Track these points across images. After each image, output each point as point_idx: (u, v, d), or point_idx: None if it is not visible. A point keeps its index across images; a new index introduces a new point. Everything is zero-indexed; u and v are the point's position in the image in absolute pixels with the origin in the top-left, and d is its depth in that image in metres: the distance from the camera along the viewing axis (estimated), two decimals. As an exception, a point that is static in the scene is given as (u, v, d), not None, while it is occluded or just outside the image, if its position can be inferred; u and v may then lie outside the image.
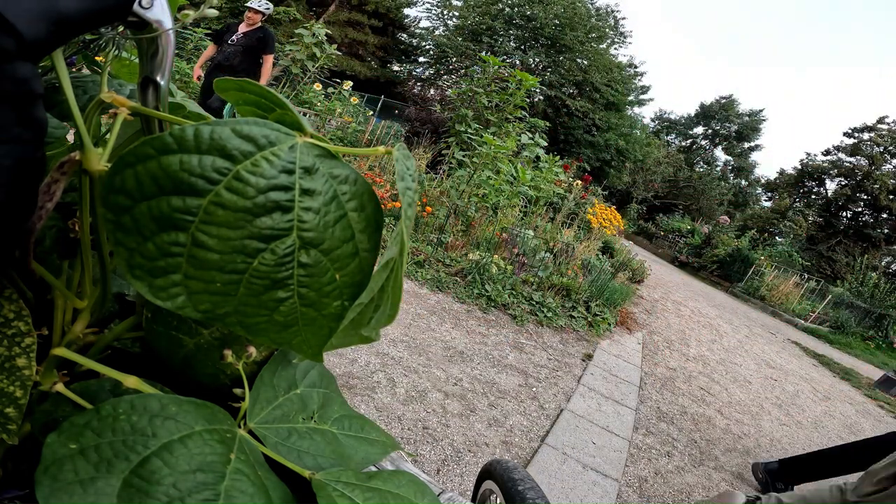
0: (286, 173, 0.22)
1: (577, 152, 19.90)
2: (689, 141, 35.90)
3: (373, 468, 0.47)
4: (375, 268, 0.27)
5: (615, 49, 22.32)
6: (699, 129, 35.56)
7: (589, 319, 4.16)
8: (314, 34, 6.51)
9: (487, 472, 1.10)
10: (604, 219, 7.81)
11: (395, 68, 23.01)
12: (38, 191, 0.25)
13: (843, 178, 25.16)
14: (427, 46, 21.65)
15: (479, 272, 3.94)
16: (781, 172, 29.43)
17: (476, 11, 19.84)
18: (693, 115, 35.71)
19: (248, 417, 0.31)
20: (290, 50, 6.53)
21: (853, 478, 1.92)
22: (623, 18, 22.28)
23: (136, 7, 0.26)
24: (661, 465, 2.42)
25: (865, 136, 24.73)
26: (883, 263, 22.35)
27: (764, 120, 33.36)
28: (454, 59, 19.85)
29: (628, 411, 2.85)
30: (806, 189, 27.16)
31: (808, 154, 31.57)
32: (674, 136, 36.70)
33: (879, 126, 24.33)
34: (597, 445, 2.34)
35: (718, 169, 34.47)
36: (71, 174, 0.26)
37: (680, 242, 15.65)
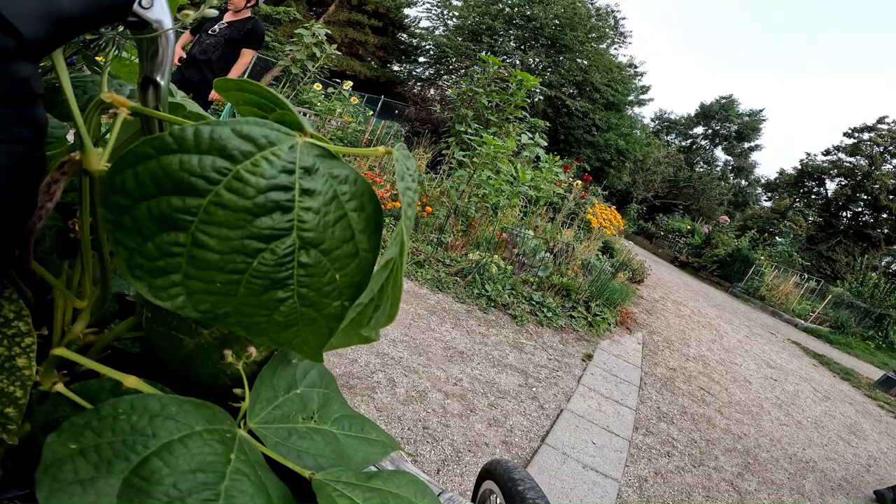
0: (286, 173, 0.22)
1: (577, 152, 19.90)
2: (689, 141, 35.90)
3: (373, 468, 0.47)
4: (375, 268, 0.27)
5: (615, 49, 22.32)
6: (699, 129, 35.57)
7: (589, 319, 4.16)
8: (314, 34, 6.51)
9: (487, 472, 1.10)
10: (604, 219, 7.82)
11: (395, 68, 23.00)
12: (38, 191, 0.25)
13: (843, 178, 25.16)
14: (427, 46, 21.64)
15: (479, 272, 3.94)
16: (781, 172, 29.43)
17: (476, 11, 19.84)
18: (693, 115, 35.73)
19: (248, 417, 0.31)
20: (290, 50, 6.52)
21: None
22: (623, 18, 22.28)
23: (136, 7, 0.26)
24: (661, 465, 2.42)
25: (865, 136, 24.73)
26: (883, 263, 22.37)
27: (764, 120, 33.38)
28: (454, 59, 19.85)
29: (628, 411, 2.85)
30: (806, 189, 27.16)
31: (808, 154, 31.58)
32: (674, 136, 36.71)
33: (879, 126, 24.33)
34: (597, 445, 2.34)
35: (718, 169, 34.49)
36: (71, 174, 0.26)
37: (680, 242, 15.66)
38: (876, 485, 3.13)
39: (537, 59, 19.92)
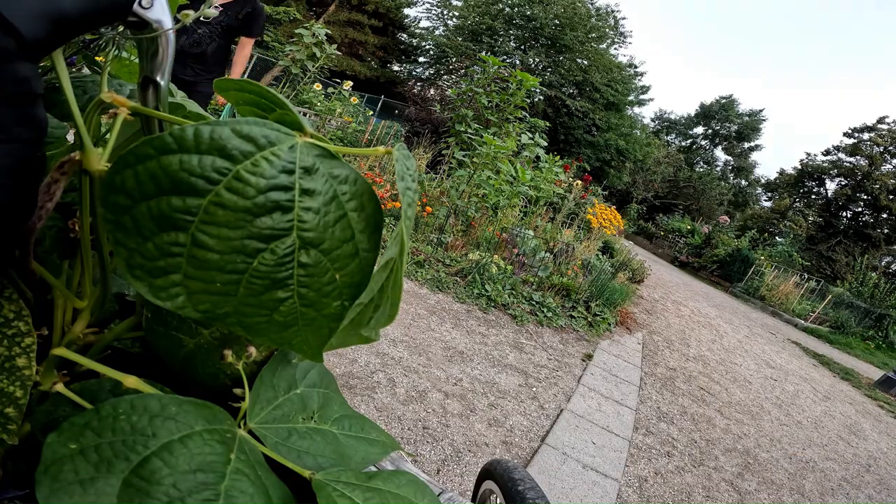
0: (286, 173, 0.22)
1: (577, 152, 19.90)
2: (689, 141, 35.91)
3: (373, 468, 0.47)
4: (375, 268, 0.27)
5: (615, 49, 22.32)
6: (699, 129, 35.58)
7: (589, 319, 4.16)
8: (314, 34, 6.50)
9: (487, 472, 1.10)
10: (604, 219, 7.82)
11: (395, 68, 23.01)
12: (38, 191, 0.25)
13: (843, 178, 25.16)
14: (427, 46, 21.64)
15: (479, 272, 3.94)
16: (781, 172, 29.43)
17: (476, 11, 19.84)
18: (693, 115, 35.73)
19: (248, 417, 0.31)
20: (290, 50, 6.51)
21: None
22: (623, 18, 22.28)
23: (136, 7, 0.26)
24: (661, 465, 2.42)
25: (865, 136, 24.73)
26: (883, 263, 22.37)
27: (764, 120, 33.39)
28: (454, 59, 19.85)
29: (628, 411, 2.85)
30: (806, 189, 27.16)
31: (808, 154, 31.59)
32: (674, 136, 36.71)
33: (879, 126, 24.33)
34: (597, 445, 2.34)
35: (718, 169, 34.50)
36: (71, 174, 0.26)
37: (680, 242, 15.66)
38: (876, 485, 3.13)
39: (537, 59, 19.92)
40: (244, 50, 3.27)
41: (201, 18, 2.99)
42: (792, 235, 19.60)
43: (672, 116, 36.81)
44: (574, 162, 11.92)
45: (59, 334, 0.31)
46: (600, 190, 11.02)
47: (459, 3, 20.86)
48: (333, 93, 8.54)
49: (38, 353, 0.28)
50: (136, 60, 0.33)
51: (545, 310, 3.89)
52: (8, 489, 0.29)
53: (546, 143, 6.49)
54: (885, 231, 23.11)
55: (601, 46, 20.79)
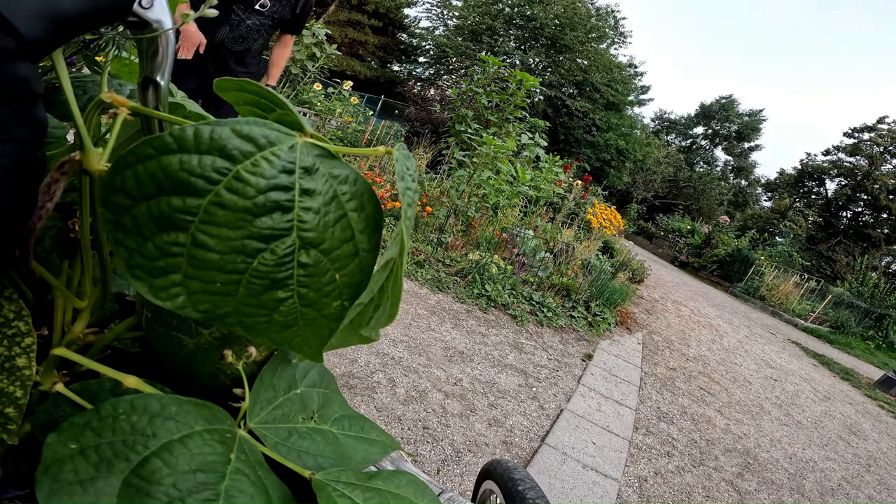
0: (286, 173, 0.22)
1: (577, 152, 19.90)
2: (689, 141, 35.90)
3: (373, 468, 0.47)
4: (375, 268, 0.27)
5: (615, 49, 22.32)
6: (699, 129, 35.57)
7: (589, 319, 4.16)
8: (314, 34, 6.50)
9: (487, 472, 1.10)
10: (604, 219, 7.82)
11: (395, 68, 23.01)
12: (38, 191, 0.25)
13: (843, 178, 25.16)
14: (427, 46, 21.64)
15: (479, 272, 3.94)
16: (781, 172, 29.43)
17: (476, 11, 19.84)
18: (693, 115, 35.72)
19: (248, 417, 0.31)
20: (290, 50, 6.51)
21: None
22: (623, 18, 22.28)
23: (136, 7, 0.26)
24: (661, 465, 2.42)
25: (865, 136, 24.72)
26: (883, 263, 22.37)
27: (764, 120, 33.38)
28: (454, 59, 19.85)
29: (628, 411, 2.85)
30: (806, 189, 27.16)
31: (808, 154, 31.58)
32: (674, 136, 36.70)
33: (879, 126, 24.33)
34: (597, 445, 2.34)
35: (718, 169, 34.50)
36: (71, 174, 0.26)
37: (680, 242, 15.65)
38: (876, 485, 3.13)
39: (537, 59, 19.92)
40: (286, 49, 2.75)
41: (255, 7, 2.39)
42: (792, 235, 19.60)
43: (672, 116, 36.81)
44: (574, 162, 11.92)
45: (59, 334, 0.31)
46: (600, 190, 11.02)
47: (459, 3, 20.86)
48: (333, 93, 8.54)
49: (38, 353, 0.28)
50: (136, 60, 0.33)
51: (545, 310, 3.89)
52: (8, 489, 0.29)
53: (546, 143, 6.49)
54: (885, 231, 23.10)
55: (601, 46, 20.79)
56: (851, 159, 25.01)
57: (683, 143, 35.87)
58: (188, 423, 0.25)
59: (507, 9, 19.55)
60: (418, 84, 21.89)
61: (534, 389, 2.66)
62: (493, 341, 3.09)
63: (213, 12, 0.33)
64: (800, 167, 27.44)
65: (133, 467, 0.22)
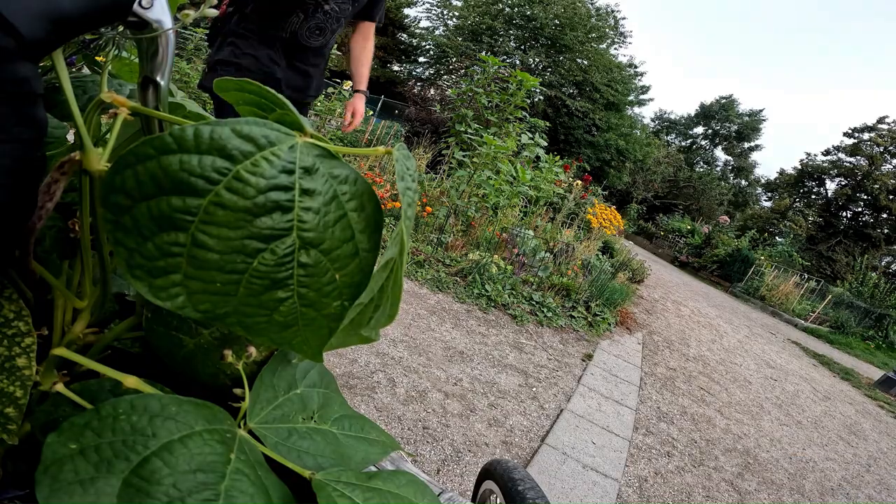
0: (286, 173, 0.22)
1: (577, 152, 19.90)
2: (689, 141, 35.91)
3: (373, 468, 0.47)
4: (375, 268, 0.27)
5: (615, 49, 22.34)
6: (699, 129, 35.58)
7: (589, 319, 4.16)
8: (314, 34, 6.47)
9: (487, 472, 1.10)
10: (604, 219, 7.81)
11: (395, 68, 23.02)
12: (38, 191, 0.25)
13: (843, 178, 25.17)
14: (427, 46, 21.65)
15: (479, 272, 3.94)
16: (781, 172, 29.44)
17: (476, 11, 19.85)
18: (693, 115, 35.73)
19: (248, 417, 0.31)
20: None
21: None
22: (623, 18, 22.30)
23: (136, 7, 0.26)
24: (661, 465, 2.42)
25: (865, 136, 24.73)
26: (883, 263, 22.38)
27: (764, 120, 33.39)
28: (454, 59, 19.85)
29: (628, 411, 2.85)
30: (806, 189, 27.17)
31: (808, 154, 31.56)
32: (674, 136, 36.71)
33: (879, 126, 24.33)
34: (597, 445, 2.34)
35: (718, 169, 34.51)
36: (71, 174, 0.26)
37: (680, 242, 15.65)
38: (876, 485, 3.13)
39: (537, 59, 19.92)
40: (369, 43, 2.21)
41: (333, 1, 1.79)
42: (792, 235, 19.60)
43: (672, 116, 36.82)
44: (574, 162, 11.92)
45: (59, 334, 0.31)
46: (600, 190, 11.02)
47: (459, 3, 20.86)
48: (333, 93, 8.53)
49: (38, 353, 0.28)
50: (136, 60, 0.33)
51: (545, 310, 3.89)
52: (8, 489, 0.29)
53: (546, 143, 6.49)
54: (885, 231, 23.11)
55: (601, 46, 20.81)
56: (851, 159, 25.02)
57: (683, 143, 35.87)
58: (188, 423, 0.25)
59: (507, 9, 19.56)
60: (418, 84, 21.88)
61: (534, 389, 2.66)
62: (494, 341, 3.09)
63: (213, 12, 0.33)
64: (800, 167, 27.44)
65: (133, 467, 0.22)
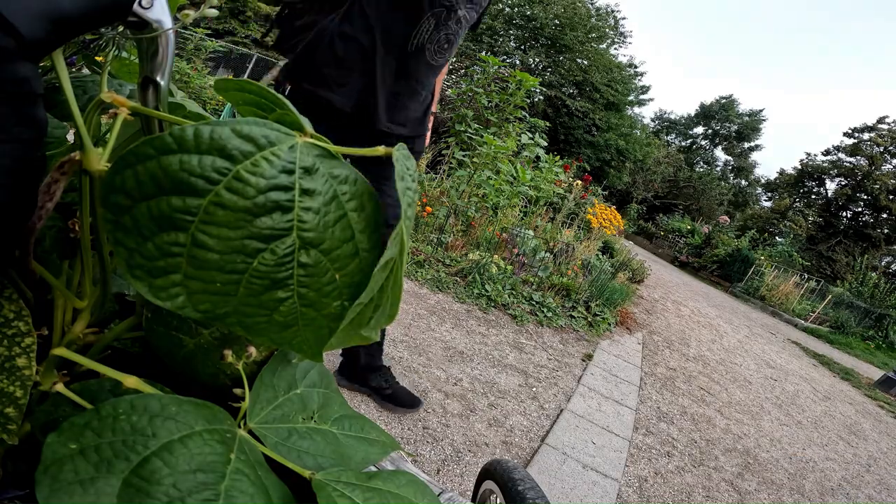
0: (286, 173, 0.22)
1: (577, 152, 19.91)
2: (689, 141, 35.92)
3: (373, 468, 0.47)
4: (375, 268, 0.27)
5: (615, 49, 22.36)
6: (699, 129, 35.59)
7: (589, 319, 4.16)
8: (314, 34, 6.47)
9: (487, 472, 1.10)
10: (604, 219, 7.81)
11: (395, 68, 22.97)
12: (38, 191, 0.25)
13: (843, 178, 25.18)
14: (427, 46, 21.60)
15: (479, 272, 3.94)
16: (781, 172, 29.45)
17: (476, 11, 19.82)
18: (693, 115, 35.75)
19: (248, 417, 0.31)
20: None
21: None
22: (623, 18, 22.32)
23: (136, 7, 0.26)
24: (661, 465, 2.42)
25: (865, 136, 24.74)
26: (883, 263, 22.38)
27: (764, 120, 33.40)
28: (454, 59, 19.86)
29: (628, 411, 2.85)
30: (806, 189, 27.17)
31: (808, 154, 31.57)
32: (674, 136, 36.72)
33: (879, 126, 24.34)
34: (597, 445, 2.34)
35: (718, 169, 34.52)
36: (71, 174, 0.26)
37: (680, 242, 15.66)
38: (876, 485, 3.13)
39: (537, 59, 19.93)
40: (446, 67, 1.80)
41: (455, 8, 1.40)
42: (792, 235, 19.59)
43: (672, 116, 36.83)
44: (574, 162, 11.91)
45: (59, 334, 0.31)
46: (600, 190, 11.01)
47: (459, 3, 20.82)
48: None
49: (38, 353, 0.28)
50: (136, 60, 0.33)
51: (545, 310, 3.89)
52: (8, 489, 0.29)
53: (546, 143, 6.49)
54: (885, 231, 23.12)
55: (601, 46, 20.82)
56: (851, 159, 25.02)
57: (683, 143, 35.88)
58: (188, 423, 0.25)
59: (507, 9, 19.56)
60: (418, 84, 21.85)
61: (534, 389, 2.66)
62: (494, 341, 3.09)
63: (214, 12, 0.33)
64: (800, 167, 27.45)
65: (133, 467, 0.22)
